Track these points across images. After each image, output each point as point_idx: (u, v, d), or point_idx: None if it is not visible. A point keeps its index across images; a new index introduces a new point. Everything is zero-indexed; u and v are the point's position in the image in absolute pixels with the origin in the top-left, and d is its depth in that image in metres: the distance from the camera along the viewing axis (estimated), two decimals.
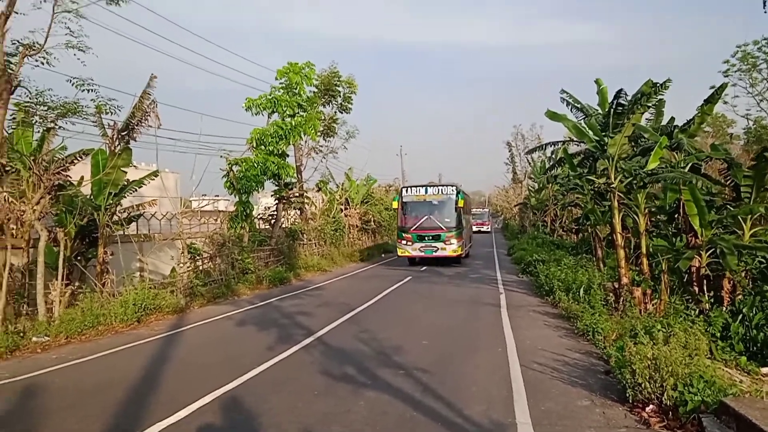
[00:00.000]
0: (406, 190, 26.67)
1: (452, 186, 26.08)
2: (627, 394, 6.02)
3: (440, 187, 26.41)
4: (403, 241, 25.74)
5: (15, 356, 9.65)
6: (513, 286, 17.61)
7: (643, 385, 5.79)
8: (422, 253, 25.43)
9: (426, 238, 25.20)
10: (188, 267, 16.63)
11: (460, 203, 25.36)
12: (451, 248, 24.94)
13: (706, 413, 5.19)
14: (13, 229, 12.91)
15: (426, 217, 25.35)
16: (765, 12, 11.73)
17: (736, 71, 23.15)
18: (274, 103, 20.95)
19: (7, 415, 6.47)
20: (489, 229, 65.68)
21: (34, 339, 10.55)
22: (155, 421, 5.95)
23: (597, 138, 12.42)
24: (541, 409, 6.04)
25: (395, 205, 26.76)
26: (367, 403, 6.41)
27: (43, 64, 11.52)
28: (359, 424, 5.71)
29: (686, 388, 5.51)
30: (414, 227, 25.40)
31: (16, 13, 11.64)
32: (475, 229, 56.38)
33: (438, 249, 25.08)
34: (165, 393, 7.09)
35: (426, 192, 26.21)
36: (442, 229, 25.03)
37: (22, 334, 10.49)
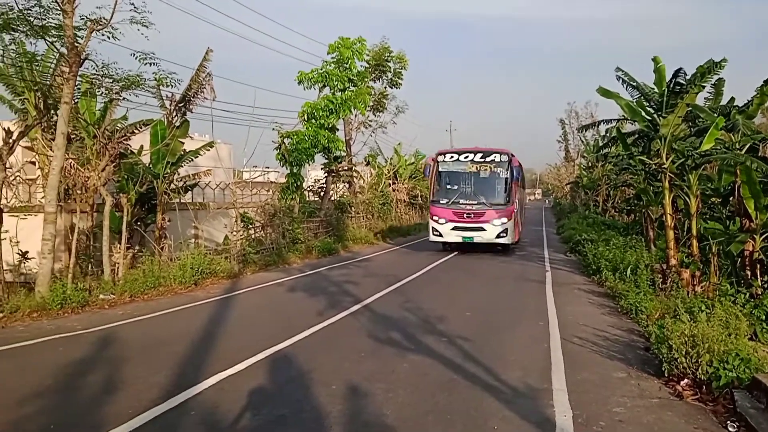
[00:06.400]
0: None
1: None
2: (663, 368, 6.16)
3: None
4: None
5: (85, 311, 10.45)
6: (560, 265, 17.56)
7: (679, 360, 5.92)
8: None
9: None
10: (241, 235, 17.31)
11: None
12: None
13: (738, 388, 5.31)
14: (78, 194, 13.80)
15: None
16: None
17: None
18: (326, 77, 21.33)
19: (86, 361, 7.17)
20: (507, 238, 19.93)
21: (101, 296, 11.33)
22: (214, 372, 6.47)
23: (650, 118, 12.23)
24: (577, 378, 6.24)
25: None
26: (410, 366, 6.77)
27: (109, 38, 12.06)
28: (402, 384, 6.07)
29: (721, 364, 5.62)
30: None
31: None
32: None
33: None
34: (222, 349, 7.62)
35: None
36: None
37: (89, 292, 11.25)
